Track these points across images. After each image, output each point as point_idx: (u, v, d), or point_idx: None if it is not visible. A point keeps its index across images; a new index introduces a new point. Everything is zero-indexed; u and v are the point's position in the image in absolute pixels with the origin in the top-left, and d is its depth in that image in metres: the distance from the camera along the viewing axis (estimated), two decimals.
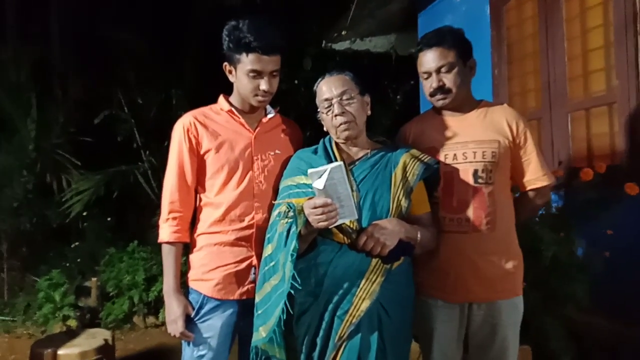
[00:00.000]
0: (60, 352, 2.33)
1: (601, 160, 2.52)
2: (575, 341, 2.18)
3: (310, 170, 1.37)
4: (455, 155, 1.67)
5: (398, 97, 6.03)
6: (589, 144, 2.75)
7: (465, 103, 1.72)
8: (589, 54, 2.75)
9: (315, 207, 1.37)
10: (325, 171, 1.34)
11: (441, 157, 1.68)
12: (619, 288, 2.19)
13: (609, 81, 2.60)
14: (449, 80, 1.65)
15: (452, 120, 1.73)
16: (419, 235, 1.52)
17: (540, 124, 2.98)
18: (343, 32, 4.71)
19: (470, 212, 1.63)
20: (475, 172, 1.64)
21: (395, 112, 5.85)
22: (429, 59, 1.66)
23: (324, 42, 5.09)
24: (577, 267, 2.20)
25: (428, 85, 1.69)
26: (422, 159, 1.60)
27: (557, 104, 2.89)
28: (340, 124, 1.56)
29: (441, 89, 1.66)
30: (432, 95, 1.70)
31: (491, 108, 1.73)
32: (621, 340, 2.20)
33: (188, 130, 1.67)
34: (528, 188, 1.71)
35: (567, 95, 2.84)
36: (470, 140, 1.66)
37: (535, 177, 1.69)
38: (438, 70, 1.65)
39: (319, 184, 1.35)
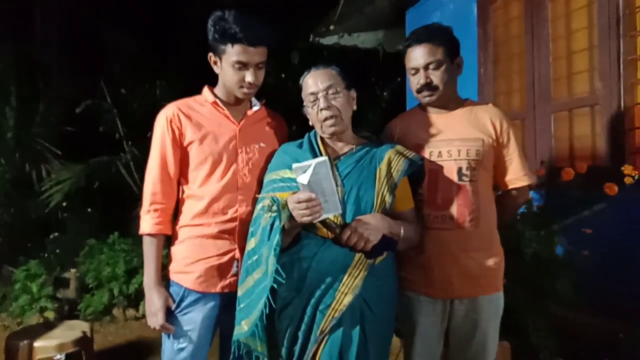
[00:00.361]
0: (36, 344, 2.28)
1: (582, 160, 2.57)
2: (556, 336, 2.22)
3: (294, 165, 1.36)
4: (440, 152, 1.68)
5: (385, 93, 6.04)
6: (571, 145, 2.80)
7: (451, 101, 1.73)
8: (573, 56, 2.80)
9: (299, 202, 1.36)
10: (309, 166, 1.33)
11: (426, 154, 1.69)
12: (599, 285, 2.24)
13: (592, 83, 2.65)
14: (436, 77, 1.66)
15: (438, 117, 1.73)
16: (402, 231, 1.53)
17: (524, 123, 3.02)
18: (331, 27, 4.70)
19: (454, 209, 1.64)
20: (460, 169, 1.65)
21: (381, 109, 5.87)
22: (417, 55, 1.66)
23: (312, 36, 5.07)
24: (558, 264, 2.24)
25: (415, 82, 1.69)
26: (407, 155, 1.60)
27: (540, 104, 2.93)
28: (326, 119, 1.55)
29: (428, 86, 1.67)
30: (418, 91, 1.70)
31: (476, 107, 1.74)
32: (602, 335, 2.25)
33: (171, 121, 1.65)
34: (509, 187, 1.73)
35: (551, 95, 2.88)
36: (455, 137, 1.67)
37: (516, 176, 1.71)
38: (426, 67, 1.65)
39: (303, 178, 1.34)
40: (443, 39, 1.66)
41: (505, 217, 1.79)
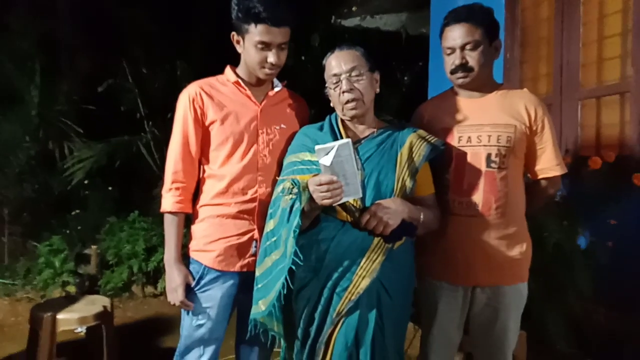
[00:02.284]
0: (59, 316, 2.34)
1: (610, 149, 2.49)
2: (574, 328, 2.19)
3: (317, 147, 1.35)
4: (469, 137, 1.63)
5: (406, 78, 5.93)
6: (598, 133, 2.72)
7: (485, 84, 1.67)
8: (604, 41, 2.70)
9: (320, 184, 1.35)
10: (332, 148, 1.32)
11: (455, 139, 1.64)
12: (621, 278, 2.19)
13: (624, 69, 2.56)
14: (472, 58, 1.60)
15: (470, 101, 1.68)
16: (422, 216, 1.51)
17: (550, 110, 2.93)
18: (353, 9, 4.64)
19: (480, 196, 1.60)
20: (489, 156, 1.60)
21: (402, 93, 5.77)
22: (455, 35, 1.60)
23: (333, 17, 5.00)
24: (580, 256, 2.20)
25: (450, 62, 1.63)
26: (429, 139, 1.57)
27: (568, 90, 2.85)
28: (348, 101, 1.53)
29: (463, 67, 1.61)
30: (452, 72, 1.64)
31: (511, 92, 1.68)
32: (620, 328, 2.21)
33: (194, 100, 1.64)
34: (540, 177, 1.67)
35: (579, 82, 2.80)
36: (486, 123, 1.62)
37: (548, 166, 1.65)
38: (462, 47, 1.59)
39: (326, 160, 1.33)
40: (483, 19, 1.60)
41: (534, 206, 1.73)
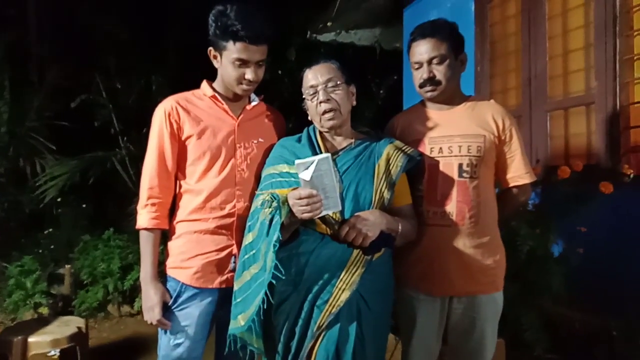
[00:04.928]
0: (30, 339, 2.26)
1: (578, 159, 2.58)
2: (550, 333, 2.23)
3: (297, 161, 1.36)
4: (440, 148, 1.67)
5: (381, 91, 6.03)
6: (567, 143, 2.81)
7: (453, 97, 1.72)
8: (569, 55, 2.81)
9: (300, 198, 1.36)
10: (312, 162, 1.33)
11: (427, 150, 1.68)
12: (593, 282, 2.25)
13: (588, 82, 2.66)
14: (439, 72, 1.65)
15: (440, 113, 1.73)
16: (399, 227, 1.53)
17: (520, 121, 3.03)
18: (328, 24, 4.70)
19: (454, 206, 1.63)
20: (460, 166, 1.64)
21: (378, 107, 5.86)
22: (421, 50, 1.65)
23: (308, 32, 5.06)
24: (553, 262, 2.25)
25: (418, 76, 1.68)
26: (406, 150, 1.60)
27: (537, 102, 2.94)
28: (325, 112, 1.55)
29: (431, 81, 1.66)
30: (421, 86, 1.69)
31: (479, 103, 1.73)
32: (595, 331, 2.26)
33: (169, 115, 1.63)
34: (510, 185, 1.72)
35: (547, 94, 2.90)
36: (456, 134, 1.66)
37: (518, 174, 1.70)
38: (429, 61, 1.65)
39: (305, 175, 1.34)
40: (448, 34, 1.66)
41: (505, 215, 1.77)
